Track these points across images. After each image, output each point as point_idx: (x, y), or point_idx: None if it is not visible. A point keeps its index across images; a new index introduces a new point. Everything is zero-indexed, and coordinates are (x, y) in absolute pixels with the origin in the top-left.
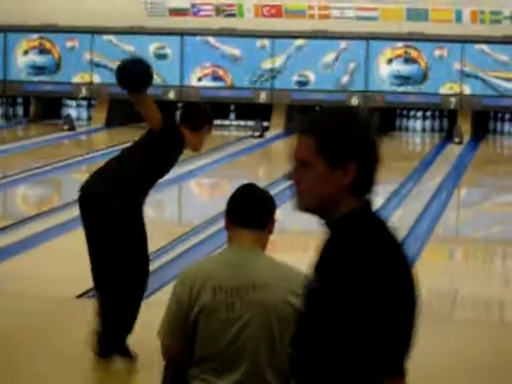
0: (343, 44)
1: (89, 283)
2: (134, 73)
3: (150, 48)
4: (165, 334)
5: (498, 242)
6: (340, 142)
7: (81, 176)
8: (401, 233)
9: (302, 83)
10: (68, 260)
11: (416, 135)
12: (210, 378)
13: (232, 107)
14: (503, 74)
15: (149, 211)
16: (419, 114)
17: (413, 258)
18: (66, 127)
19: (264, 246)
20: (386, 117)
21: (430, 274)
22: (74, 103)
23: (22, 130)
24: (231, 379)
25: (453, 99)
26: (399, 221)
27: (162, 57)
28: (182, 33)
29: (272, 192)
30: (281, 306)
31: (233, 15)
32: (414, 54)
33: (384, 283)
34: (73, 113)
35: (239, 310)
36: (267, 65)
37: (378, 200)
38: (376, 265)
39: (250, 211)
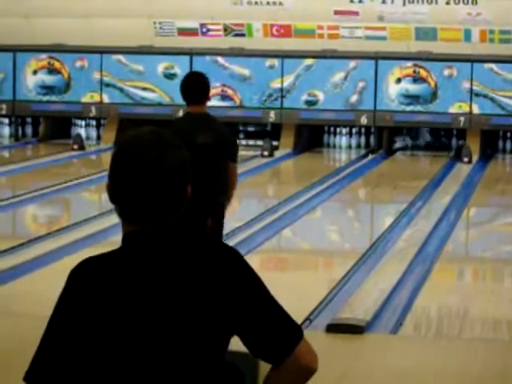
0: (352, 63)
1: None
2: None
3: (158, 67)
4: None
5: (507, 262)
6: None
7: (90, 196)
8: (410, 252)
9: (311, 102)
10: None
11: (425, 154)
12: None
13: (241, 127)
14: None
15: None
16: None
17: (422, 277)
18: (75, 147)
19: None
20: (395, 136)
21: (440, 293)
22: (83, 123)
23: (31, 150)
24: None
25: (462, 118)
26: (408, 240)
27: (170, 76)
28: (190, 52)
29: (282, 211)
30: None
31: (242, 35)
32: (422, 73)
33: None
34: (82, 132)
35: None
36: (276, 84)
37: (387, 219)
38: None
39: None
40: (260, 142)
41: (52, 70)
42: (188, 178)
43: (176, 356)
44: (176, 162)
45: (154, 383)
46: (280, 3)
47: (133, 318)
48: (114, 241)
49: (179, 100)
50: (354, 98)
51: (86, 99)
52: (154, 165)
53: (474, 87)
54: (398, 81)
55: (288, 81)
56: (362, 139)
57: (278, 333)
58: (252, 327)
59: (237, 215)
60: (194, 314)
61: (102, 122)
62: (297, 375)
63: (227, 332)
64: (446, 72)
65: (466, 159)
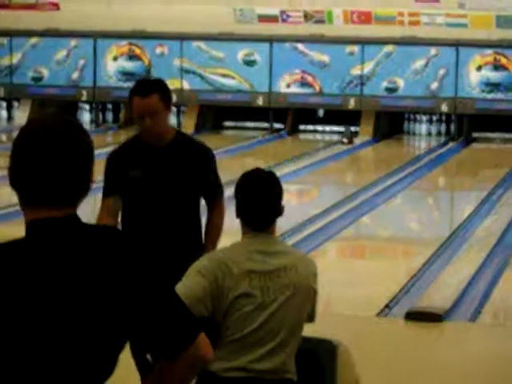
0: (433, 50)
1: None
2: None
3: (238, 54)
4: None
5: None
6: None
7: None
8: (490, 240)
9: (391, 89)
10: None
11: (507, 142)
12: (234, 356)
13: (321, 113)
14: None
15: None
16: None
17: (502, 266)
18: None
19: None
20: (477, 123)
21: None
22: None
23: (111, 136)
24: (256, 354)
25: None
26: (488, 229)
27: (250, 63)
28: (270, 39)
29: (361, 199)
30: (308, 287)
31: (322, 22)
32: (503, 60)
33: None
34: None
35: (273, 293)
36: (356, 71)
37: (467, 208)
38: None
39: (262, 217)
40: (340, 129)
41: (132, 57)
42: (93, 160)
43: (68, 352)
44: (83, 143)
45: (43, 377)
46: None
47: (27, 311)
48: None
49: (259, 87)
50: (434, 85)
51: None
52: (62, 143)
53: None
54: (479, 68)
55: (368, 67)
56: (443, 127)
57: (175, 328)
58: (148, 323)
59: (315, 202)
60: (89, 307)
61: (182, 108)
62: (192, 366)
63: (123, 328)
64: None
65: None
